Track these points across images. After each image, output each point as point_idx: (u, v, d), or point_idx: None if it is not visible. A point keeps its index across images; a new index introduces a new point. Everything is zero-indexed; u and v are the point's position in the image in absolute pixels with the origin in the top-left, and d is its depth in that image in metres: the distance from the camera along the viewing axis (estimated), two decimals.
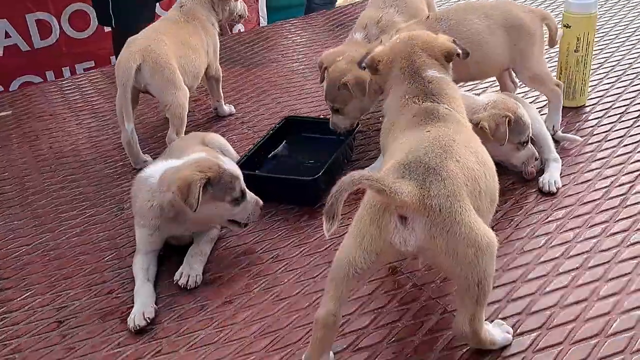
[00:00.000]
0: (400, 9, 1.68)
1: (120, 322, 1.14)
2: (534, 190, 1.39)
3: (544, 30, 1.56)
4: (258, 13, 4.22)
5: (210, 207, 1.19)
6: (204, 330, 1.11)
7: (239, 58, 2.23)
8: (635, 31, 2.14)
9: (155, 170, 1.24)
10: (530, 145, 1.35)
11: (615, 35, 2.12)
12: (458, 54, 1.15)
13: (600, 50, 2.00)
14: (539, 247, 1.22)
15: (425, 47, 1.14)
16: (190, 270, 1.21)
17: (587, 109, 1.70)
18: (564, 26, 1.62)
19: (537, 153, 1.37)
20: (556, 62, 1.71)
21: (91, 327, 1.14)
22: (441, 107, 1.06)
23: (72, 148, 1.75)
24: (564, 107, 1.62)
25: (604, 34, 2.13)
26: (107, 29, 3.01)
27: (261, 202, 1.25)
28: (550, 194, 1.36)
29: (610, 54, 1.98)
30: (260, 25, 3.15)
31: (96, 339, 1.11)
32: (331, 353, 1.00)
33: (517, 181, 1.42)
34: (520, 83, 1.67)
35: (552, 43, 1.58)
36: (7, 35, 3.18)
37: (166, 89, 1.52)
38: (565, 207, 1.33)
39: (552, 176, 1.39)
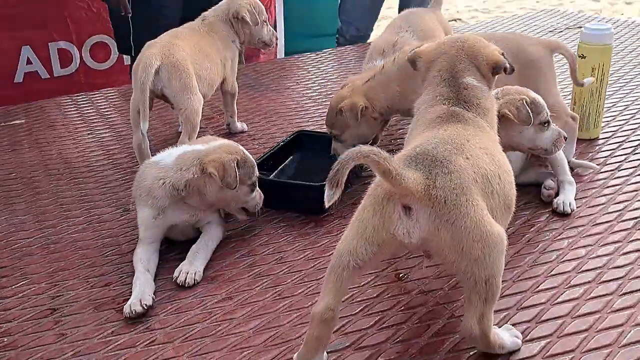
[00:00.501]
0: (416, 33, 1.70)
1: (116, 312, 1.10)
2: (547, 210, 1.36)
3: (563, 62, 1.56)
4: (276, 46, 4.30)
5: (231, 190, 1.21)
6: (201, 323, 1.07)
7: (254, 84, 2.26)
8: None
9: (166, 155, 1.26)
10: (553, 125, 1.31)
11: (630, 69, 2.13)
12: (505, 69, 1.09)
13: (616, 84, 2.00)
14: (550, 261, 1.19)
15: (471, 53, 1.09)
16: (190, 267, 1.19)
17: (601, 141, 1.69)
18: (579, 57, 1.63)
19: (564, 132, 1.33)
20: (571, 93, 1.71)
21: (85, 315, 1.10)
22: (468, 114, 1.03)
23: (81, 155, 1.75)
24: (578, 139, 1.62)
25: (620, 67, 2.14)
26: (127, 61, 3.07)
27: (262, 195, 1.29)
28: (564, 215, 1.34)
29: (630, 90, 1.99)
30: (277, 57, 3.21)
31: (89, 327, 1.07)
32: (325, 354, 0.95)
33: (531, 201, 1.40)
34: None
35: (572, 75, 1.55)
36: (28, 62, 3.26)
37: (182, 93, 1.53)
38: (578, 226, 1.30)
39: (567, 197, 1.37)
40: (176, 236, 1.28)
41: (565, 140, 1.34)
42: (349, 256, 0.90)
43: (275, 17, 4.60)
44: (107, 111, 2.07)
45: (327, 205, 0.83)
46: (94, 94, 2.29)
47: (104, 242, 1.32)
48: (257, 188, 1.28)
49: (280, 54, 3.37)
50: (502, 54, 1.11)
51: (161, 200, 1.21)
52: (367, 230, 0.89)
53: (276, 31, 4.63)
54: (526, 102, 1.25)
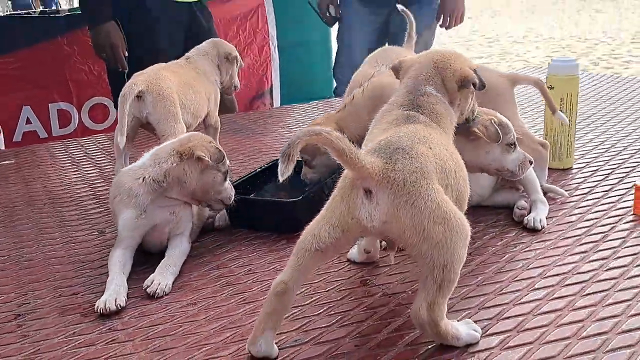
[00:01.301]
0: (391, 64, 1.76)
1: (80, 316, 1.11)
2: (517, 227, 1.38)
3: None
4: (272, 97, 4.42)
5: (209, 175, 1.26)
6: (163, 325, 1.07)
7: (241, 129, 2.32)
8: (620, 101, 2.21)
9: (139, 160, 1.30)
10: (519, 148, 1.34)
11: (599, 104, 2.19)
12: (474, 84, 1.12)
13: (590, 118, 2.05)
14: (516, 269, 1.19)
15: (441, 65, 1.12)
16: (161, 279, 1.19)
17: (575, 170, 1.71)
18: (548, 87, 1.68)
19: (530, 156, 1.35)
20: (542, 124, 1.76)
21: (49, 319, 1.10)
22: (422, 117, 1.07)
23: (65, 188, 1.79)
24: (551, 169, 1.65)
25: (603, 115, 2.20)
26: None
27: (233, 190, 1.34)
28: (534, 231, 1.35)
29: (612, 124, 2.04)
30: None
31: (52, 329, 1.07)
32: (275, 347, 0.95)
33: (502, 220, 1.41)
34: None
35: (547, 101, 1.59)
36: (28, 121, 3.36)
37: (166, 120, 1.58)
38: (546, 240, 1.31)
39: (537, 214, 1.38)
40: (152, 243, 1.29)
41: (531, 164, 1.37)
42: (312, 239, 0.92)
43: (271, 82, 4.77)
44: (94, 153, 2.12)
45: (281, 179, 0.85)
46: (84, 139, 2.35)
47: (77, 259, 1.34)
48: (229, 179, 1.33)
49: None
50: (475, 70, 1.14)
51: (143, 197, 1.24)
52: (334, 215, 0.92)
53: (272, 96, 4.78)
54: (494, 121, 1.29)
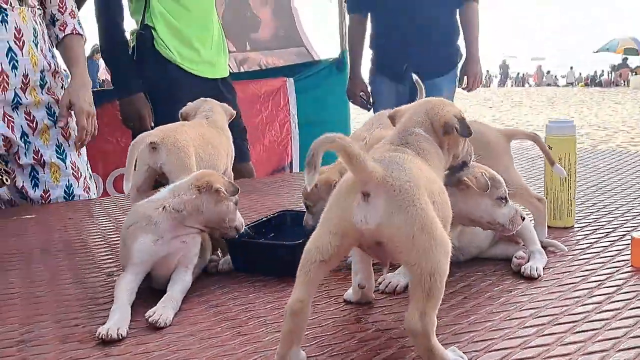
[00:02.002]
0: (385, 126, 1.84)
1: (79, 343, 1.14)
2: (516, 276, 1.39)
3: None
4: (291, 170, 4.52)
5: (223, 205, 1.36)
6: (158, 351, 1.10)
7: (256, 190, 2.40)
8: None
9: (157, 193, 1.39)
10: (511, 202, 1.38)
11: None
12: (455, 129, 1.18)
13: (596, 185, 2.08)
14: (508, 310, 1.20)
15: (431, 112, 1.20)
16: (163, 311, 1.23)
17: (576, 228, 1.74)
18: (548, 147, 1.74)
19: (522, 212, 1.39)
20: (543, 183, 1.80)
21: (50, 346, 1.14)
22: (410, 151, 1.14)
23: (81, 239, 1.85)
24: (552, 227, 1.68)
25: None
26: None
27: (242, 220, 1.44)
28: (531, 279, 1.36)
29: (609, 189, 2.06)
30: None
31: (51, 354, 1.10)
32: (302, 351, 1.00)
33: (499, 270, 1.43)
34: None
35: (546, 155, 1.65)
36: None
37: (179, 171, 1.64)
38: (541, 287, 1.32)
39: (535, 263, 1.40)
40: (158, 275, 1.33)
41: (523, 219, 1.41)
42: (315, 251, 0.98)
43: (291, 156, 4.91)
44: (113, 210, 2.20)
45: (308, 188, 0.97)
46: (105, 199, 2.44)
47: (84, 297, 1.38)
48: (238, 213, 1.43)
49: None
50: (458, 117, 1.20)
51: (162, 225, 1.31)
52: (331, 223, 0.98)
53: (292, 170, 4.88)
54: (484, 174, 1.35)
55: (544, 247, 1.53)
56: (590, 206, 1.95)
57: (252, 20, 5.54)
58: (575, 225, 1.75)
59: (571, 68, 35.19)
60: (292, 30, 5.55)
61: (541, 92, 28.86)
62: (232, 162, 1.95)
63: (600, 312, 1.18)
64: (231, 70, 5.18)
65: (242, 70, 5.46)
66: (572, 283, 1.33)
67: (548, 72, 34.91)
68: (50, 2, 2.46)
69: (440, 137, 1.20)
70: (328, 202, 1.01)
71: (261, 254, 1.47)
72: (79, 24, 2.54)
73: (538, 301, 1.24)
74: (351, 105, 4.73)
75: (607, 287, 1.30)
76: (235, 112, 2.01)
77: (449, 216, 1.08)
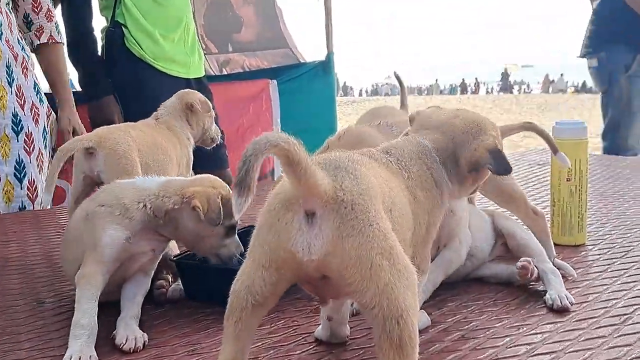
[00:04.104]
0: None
1: None
2: (524, 306, 1.16)
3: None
4: (273, 179, 4.30)
5: (207, 227, 1.09)
6: None
7: None
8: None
9: (148, 180, 1.16)
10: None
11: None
12: (489, 168, 0.95)
13: (603, 195, 1.86)
14: (519, 355, 0.96)
15: (460, 137, 0.97)
16: (132, 332, 1.04)
17: (589, 246, 1.51)
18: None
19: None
20: (548, 193, 1.57)
21: None
22: (386, 157, 0.91)
23: (19, 257, 1.60)
24: (560, 245, 1.46)
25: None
26: None
27: (241, 248, 1.14)
28: (563, 311, 1.12)
29: (617, 198, 1.84)
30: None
31: None
32: None
33: (502, 298, 1.20)
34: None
35: (549, 145, 1.38)
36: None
37: (118, 179, 1.40)
38: (557, 322, 1.08)
39: (557, 290, 1.16)
40: (112, 280, 1.10)
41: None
42: (246, 293, 0.75)
43: (273, 165, 4.67)
44: (63, 222, 1.96)
45: (237, 216, 0.69)
46: (58, 207, 2.20)
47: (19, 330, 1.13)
48: (236, 236, 1.16)
49: None
50: (495, 150, 0.97)
51: (136, 224, 1.09)
52: (262, 253, 0.74)
53: (274, 179, 4.68)
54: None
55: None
56: (602, 219, 1.72)
57: (234, 21, 5.31)
58: (587, 243, 1.52)
59: (561, 75, 35.25)
60: (277, 31, 5.33)
61: (530, 99, 28.85)
62: (189, 171, 1.70)
63: (621, 335, 0.94)
64: (213, 73, 4.97)
65: (224, 72, 5.23)
66: (593, 318, 1.09)
67: (552, 80, 34.97)
68: (24, 0, 2.23)
69: (460, 172, 0.98)
70: (258, 222, 0.77)
71: (217, 280, 1.21)
72: (57, 27, 2.32)
73: (554, 342, 1.00)
74: (338, 109, 4.50)
75: (636, 322, 1.07)
76: (192, 101, 1.74)
77: (407, 238, 0.85)
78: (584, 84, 32.64)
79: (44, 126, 2.29)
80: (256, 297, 0.74)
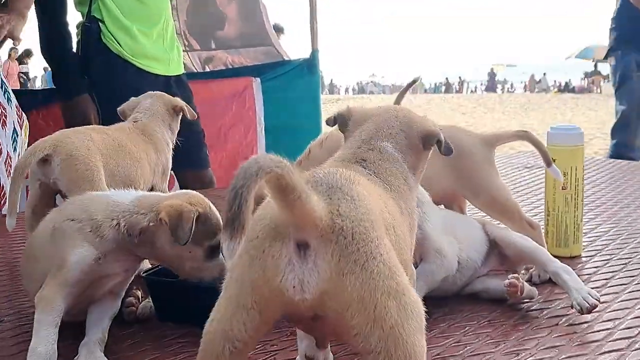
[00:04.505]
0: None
1: None
2: (524, 325, 1.08)
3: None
4: None
5: (182, 248, 0.97)
6: None
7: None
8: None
9: (122, 193, 1.05)
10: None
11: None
12: (439, 142, 0.88)
13: (595, 202, 1.79)
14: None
15: (405, 120, 0.88)
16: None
17: (584, 258, 1.43)
18: None
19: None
20: (539, 199, 1.50)
21: None
22: (366, 171, 0.81)
23: None
24: (555, 257, 1.38)
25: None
26: None
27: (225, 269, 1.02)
28: (593, 310, 1.06)
29: (611, 206, 1.77)
30: None
31: None
32: None
33: (498, 319, 1.12)
34: None
35: (542, 156, 1.32)
36: None
37: (77, 188, 1.27)
38: (556, 347, 1.01)
39: (579, 292, 1.08)
40: (78, 300, 1.00)
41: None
42: (222, 339, 0.64)
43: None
44: None
45: (228, 261, 0.60)
46: None
47: None
48: (220, 261, 1.03)
49: None
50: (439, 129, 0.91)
51: (109, 243, 0.98)
52: (242, 290, 0.64)
53: None
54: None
55: (540, 283, 1.23)
56: (595, 228, 1.65)
57: (217, 17, 5.19)
58: (583, 254, 1.45)
59: (544, 74, 35.43)
60: (260, 28, 5.22)
61: (514, 98, 28.96)
62: (166, 180, 1.59)
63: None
64: (195, 70, 4.85)
65: (207, 69, 5.12)
66: (596, 342, 1.02)
67: (539, 80, 35.05)
68: None
69: (416, 154, 0.88)
70: (239, 249, 0.65)
71: (192, 299, 1.12)
72: None
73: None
74: (323, 108, 4.42)
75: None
76: (182, 104, 1.65)
77: (408, 259, 0.77)
78: (566, 84, 32.88)
79: (14, 127, 2.17)
80: (235, 344, 0.63)
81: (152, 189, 1.52)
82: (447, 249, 1.12)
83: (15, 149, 2.14)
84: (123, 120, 1.59)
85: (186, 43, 5.02)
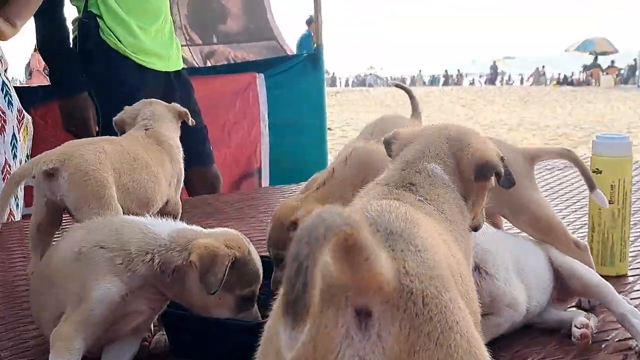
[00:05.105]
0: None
1: None
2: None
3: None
4: (260, 177, 4.11)
5: (212, 296, 0.87)
6: None
7: (217, 212, 1.96)
8: None
9: (159, 223, 0.93)
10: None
11: None
12: (497, 175, 0.76)
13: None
14: None
15: (457, 142, 0.78)
16: None
17: (631, 278, 1.33)
18: (594, 172, 1.32)
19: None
20: (587, 217, 1.39)
21: None
22: (417, 197, 0.71)
23: None
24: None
25: None
26: None
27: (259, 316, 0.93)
28: None
29: None
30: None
31: None
32: None
33: (554, 354, 1.01)
34: None
35: (584, 177, 1.22)
36: None
37: (87, 207, 1.16)
38: None
39: None
40: (100, 342, 0.90)
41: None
42: None
43: (260, 162, 4.47)
44: None
45: (287, 355, 0.47)
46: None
47: None
48: (255, 308, 0.94)
49: None
50: (502, 158, 0.80)
51: (139, 279, 0.88)
52: None
53: (261, 176, 4.46)
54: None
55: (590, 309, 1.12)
56: (634, 240, 1.54)
57: (219, 11, 5.07)
58: (629, 273, 1.35)
59: (543, 67, 35.32)
60: (263, 22, 5.10)
61: (513, 91, 28.86)
62: (179, 192, 1.48)
63: None
64: (196, 65, 4.73)
65: (208, 64, 5.00)
66: None
67: (543, 73, 34.83)
68: None
69: (466, 182, 0.77)
70: (270, 318, 0.54)
71: (207, 334, 1.00)
72: None
73: None
74: (328, 104, 4.30)
75: None
76: (186, 110, 1.54)
77: (476, 309, 0.65)
78: (565, 77, 32.75)
79: (13, 132, 2.05)
80: None
81: (167, 204, 1.41)
82: (519, 300, 1.01)
83: (15, 156, 2.03)
84: (120, 127, 1.48)
85: (187, 37, 4.91)
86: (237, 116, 4.23)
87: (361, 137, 1.50)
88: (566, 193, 1.98)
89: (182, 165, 1.48)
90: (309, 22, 6.06)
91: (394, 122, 1.57)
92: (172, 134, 1.47)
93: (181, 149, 1.49)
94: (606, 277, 1.29)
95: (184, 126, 1.55)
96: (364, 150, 1.25)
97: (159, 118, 1.44)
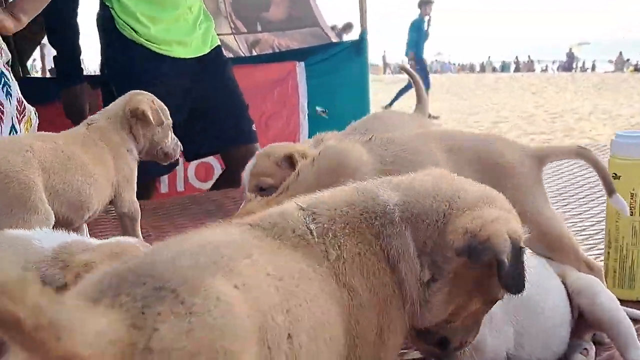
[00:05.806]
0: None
1: None
2: None
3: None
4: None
5: None
6: None
7: (216, 209, 1.86)
8: None
9: (45, 236, 0.86)
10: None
11: None
12: (500, 264, 0.59)
13: None
14: None
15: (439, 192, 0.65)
16: None
17: None
18: (613, 176, 1.12)
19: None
20: (604, 232, 1.19)
21: None
22: (301, 225, 0.59)
23: None
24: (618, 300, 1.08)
25: None
26: None
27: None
28: None
29: None
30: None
31: None
32: None
33: None
34: None
35: (603, 180, 1.04)
36: None
37: (9, 211, 1.07)
38: None
39: None
40: None
41: None
42: None
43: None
44: None
45: None
46: None
47: None
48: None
49: None
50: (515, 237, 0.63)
51: None
52: None
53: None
54: None
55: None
56: None
57: None
58: None
59: (620, 53, 33.57)
60: (307, 9, 4.97)
61: (587, 77, 27.64)
62: (133, 187, 1.37)
63: None
64: (242, 54, 4.66)
65: (254, 53, 4.94)
66: None
67: (628, 59, 33.12)
68: None
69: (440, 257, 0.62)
70: None
71: None
72: None
73: None
74: (372, 94, 4.15)
75: None
76: (143, 109, 1.42)
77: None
78: None
79: (12, 123, 2.01)
80: None
81: (117, 201, 1.31)
82: (486, 344, 0.86)
83: None
84: None
85: (232, 26, 4.86)
86: (275, 107, 4.15)
87: (345, 133, 1.36)
88: (579, 199, 1.76)
89: (129, 160, 1.37)
90: (346, 27, 5.85)
91: (385, 121, 1.43)
92: (119, 133, 1.36)
93: (132, 148, 1.37)
94: (624, 302, 1.10)
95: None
96: (334, 150, 1.10)
97: (109, 114, 1.33)
